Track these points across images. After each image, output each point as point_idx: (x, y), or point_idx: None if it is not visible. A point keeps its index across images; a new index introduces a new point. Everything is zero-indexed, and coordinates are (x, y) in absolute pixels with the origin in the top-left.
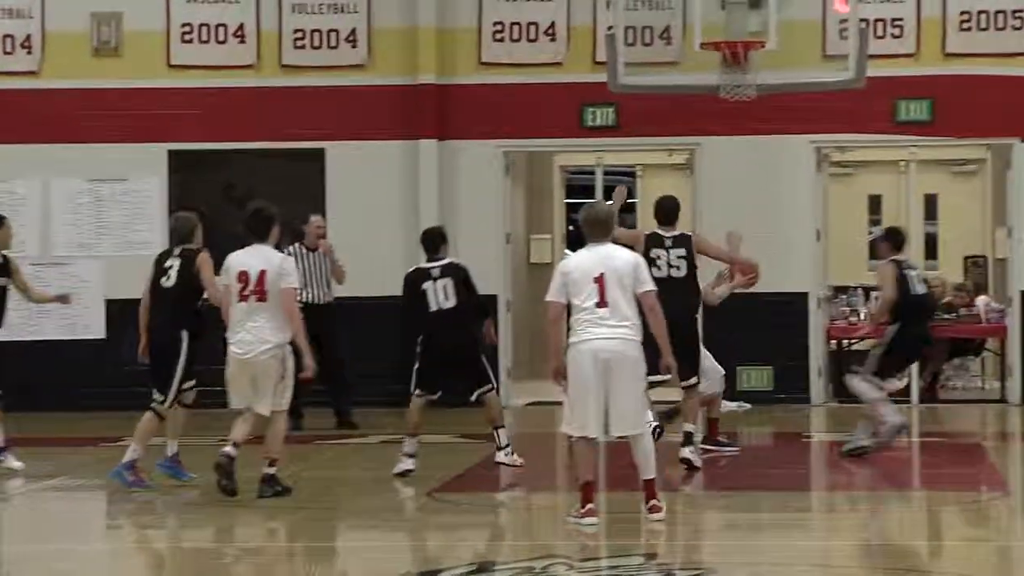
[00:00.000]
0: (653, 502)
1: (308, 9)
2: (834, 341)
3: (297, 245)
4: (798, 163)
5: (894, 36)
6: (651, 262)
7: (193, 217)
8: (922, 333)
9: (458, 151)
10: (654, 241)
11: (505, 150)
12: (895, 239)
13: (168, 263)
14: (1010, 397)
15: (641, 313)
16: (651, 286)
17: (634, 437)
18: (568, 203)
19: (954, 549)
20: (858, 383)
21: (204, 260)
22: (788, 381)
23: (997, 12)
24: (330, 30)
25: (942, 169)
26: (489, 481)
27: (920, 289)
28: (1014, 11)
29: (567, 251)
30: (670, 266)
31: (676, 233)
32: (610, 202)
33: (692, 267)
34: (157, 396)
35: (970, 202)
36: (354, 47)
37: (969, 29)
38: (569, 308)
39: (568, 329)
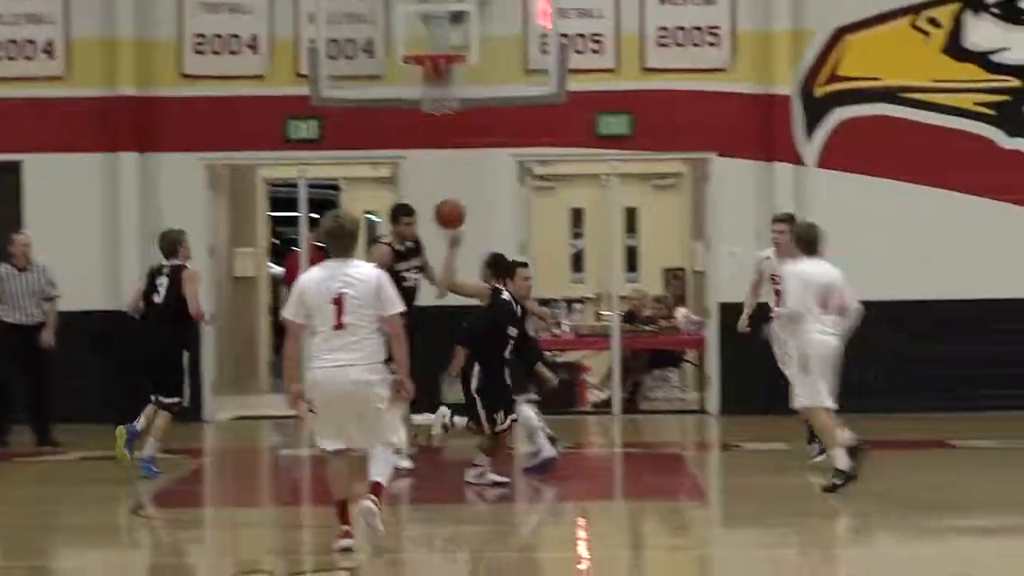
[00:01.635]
0: (371, 498)
1: (3, 19)
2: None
3: (6, 266)
4: (501, 177)
5: (594, 51)
6: None
7: (176, 233)
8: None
9: (160, 164)
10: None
11: (208, 163)
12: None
13: (158, 280)
14: (709, 407)
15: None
16: (396, 309)
17: (376, 450)
18: (272, 216)
19: (655, 558)
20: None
21: (188, 277)
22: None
23: (694, 28)
24: (26, 40)
25: (642, 183)
26: (193, 497)
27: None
28: (709, 28)
29: (270, 264)
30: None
31: None
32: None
33: None
34: (167, 399)
35: (670, 215)
36: (51, 58)
37: (667, 45)
38: None
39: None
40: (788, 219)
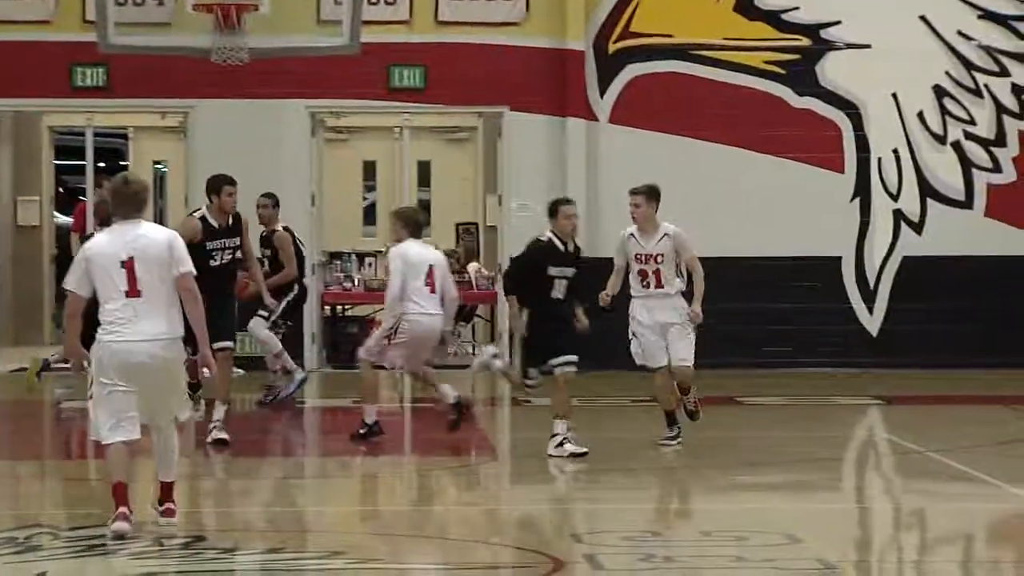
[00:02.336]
0: (168, 505)
1: None
2: (328, 307)
3: None
4: (293, 128)
5: (388, 3)
6: None
7: None
8: None
9: None
10: None
11: None
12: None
13: None
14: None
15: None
16: (187, 267)
17: (161, 429)
18: (57, 165)
19: (444, 514)
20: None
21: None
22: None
23: None
24: None
25: (435, 136)
26: None
27: None
28: None
29: (56, 214)
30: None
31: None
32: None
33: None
34: None
35: (462, 169)
36: None
37: None
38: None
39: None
40: (646, 192)
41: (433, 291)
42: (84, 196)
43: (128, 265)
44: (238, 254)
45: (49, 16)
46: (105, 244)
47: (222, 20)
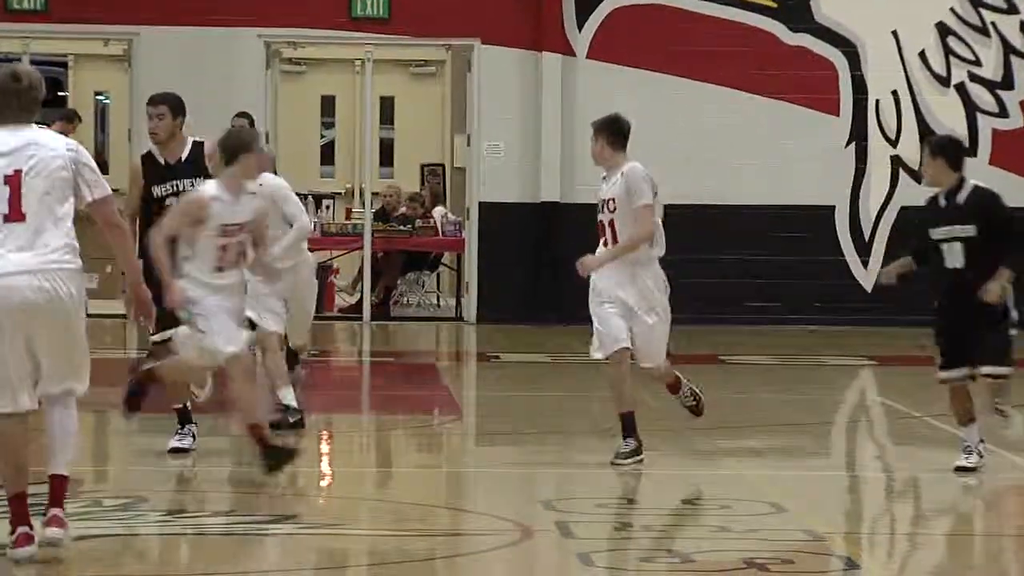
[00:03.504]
0: (54, 512)
1: None
2: None
3: None
4: (246, 59)
5: None
6: None
7: None
8: None
9: None
10: None
11: None
12: None
13: None
14: (466, 315)
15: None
16: (103, 191)
17: (56, 401)
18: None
19: (406, 476)
20: None
21: None
22: None
23: None
24: None
25: (400, 70)
26: None
27: None
28: None
29: None
30: None
31: None
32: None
33: None
34: None
35: (429, 106)
36: None
37: None
38: None
39: None
40: (597, 125)
41: None
42: None
43: (11, 181)
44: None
45: None
46: None
47: None
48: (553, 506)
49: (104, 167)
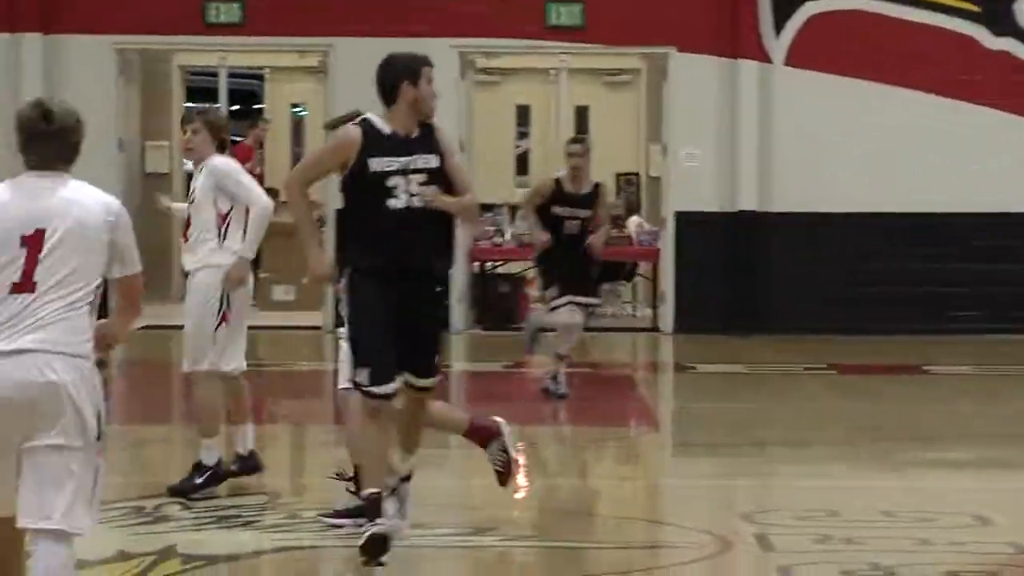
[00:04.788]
0: None
1: None
2: (477, 264)
3: None
4: (440, 69)
5: None
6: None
7: None
8: None
9: (66, 47)
10: None
11: (119, 47)
12: None
13: None
14: (662, 325)
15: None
16: (134, 267)
17: (48, 537)
18: (188, 107)
19: (603, 487)
20: None
21: None
22: None
23: None
24: None
25: (594, 79)
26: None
27: None
28: None
29: (186, 160)
30: None
31: None
32: None
33: None
34: None
35: (624, 116)
36: None
37: None
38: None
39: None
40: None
41: None
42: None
43: (32, 240)
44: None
45: None
46: (3, 201)
47: None
48: (752, 518)
49: None
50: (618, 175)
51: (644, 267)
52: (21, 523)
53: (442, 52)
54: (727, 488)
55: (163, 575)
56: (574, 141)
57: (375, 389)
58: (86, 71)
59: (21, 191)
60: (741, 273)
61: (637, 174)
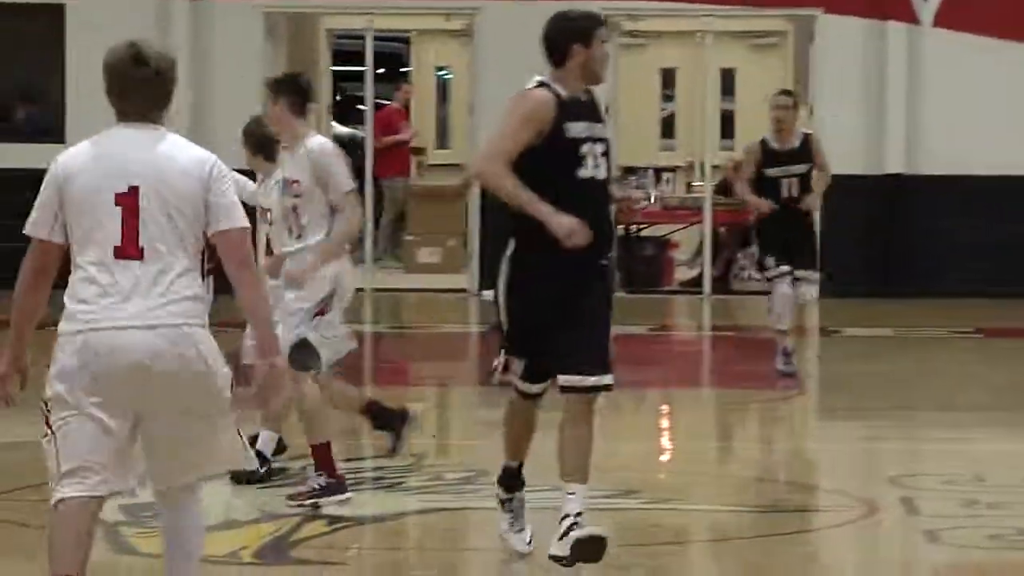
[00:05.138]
0: None
1: None
2: (622, 227)
3: None
4: None
5: None
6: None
7: None
8: None
9: (213, 11)
10: None
11: (266, 11)
12: None
13: None
14: None
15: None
16: (241, 222)
17: (173, 498)
18: (335, 71)
19: (747, 451)
20: None
21: None
22: None
23: None
24: None
25: (741, 42)
26: None
27: None
28: None
29: (334, 123)
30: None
31: None
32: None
33: None
34: None
35: (770, 78)
36: None
37: None
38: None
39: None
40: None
41: None
42: (363, 105)
43: (127, 200)
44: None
45: None
46: (90, 162)
47: None
48: (898, 482)
49: (445, 140)
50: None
51: None
52: (159, 485)
53: None
54: (872, 452)
55: (308, 536)
56: (782, 93)
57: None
58: (233, 35)
59: (112, 145)
60: (888, 236)
61: None
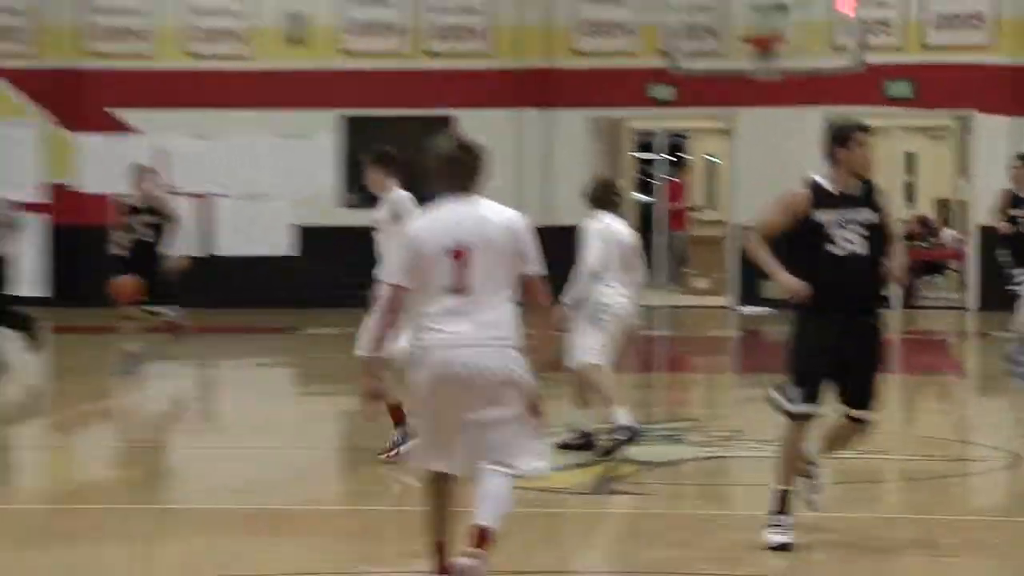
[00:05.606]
0: (474, 551)
1: (445, 9)
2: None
3: None
4: (810, 128)
5: (886, 34)
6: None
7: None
8: None
9: (553, 118)
10: None
11: (591, 117)
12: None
13: None
14: (968, 305)
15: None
16: (537, 267)
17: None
18: (637, 157)
19: (920, 416)
20: None
21: None
22: None
23: (964, 14)
24: (463, 27)
25: (919, 133)
26: None
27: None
28: (976, 14)
29: (635, 194)
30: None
31: None
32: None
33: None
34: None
35: (940, 158)
36: (481, 39)
37: (942, 27)
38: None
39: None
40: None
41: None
42: (654, 180)
43: (456, 252)
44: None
45: (634, 49)
46: (431, 222)
47: (761, 48)
48: None
49: (713, 205)
50: (936, 200)
51: (955, 264)
52: (458, 471)
53: (812, 116)
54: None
55: (622, 472)
56: (1018, 156)
57: (799, 408)
58: (568, 135)
59: (443, 212)
60: None
61: (949, 199)
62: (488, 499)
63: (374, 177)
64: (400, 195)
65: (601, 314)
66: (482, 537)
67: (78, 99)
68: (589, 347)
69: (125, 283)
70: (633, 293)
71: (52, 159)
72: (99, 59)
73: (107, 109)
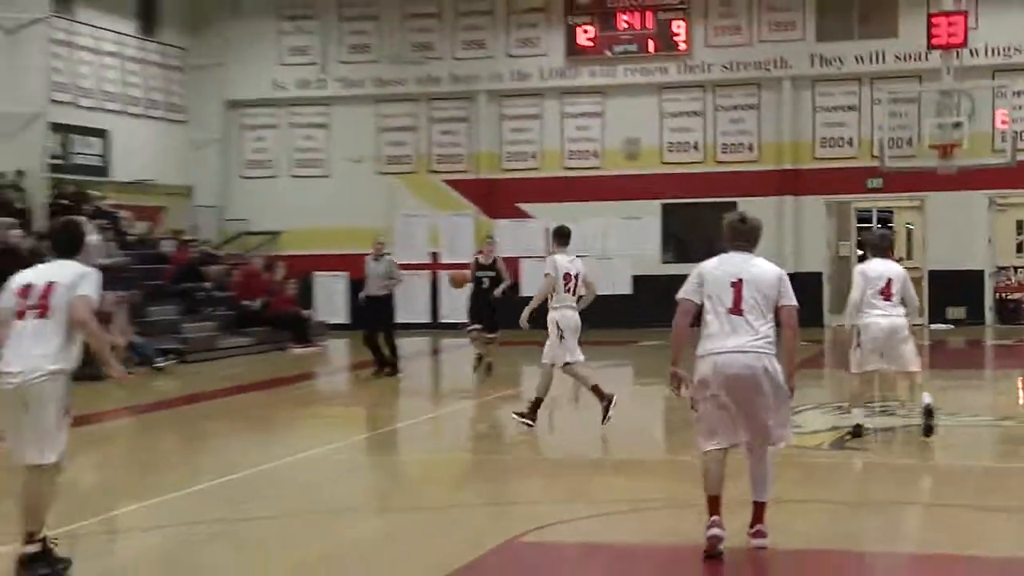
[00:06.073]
0: (758, 527)
1: (727, 132)
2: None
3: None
4: (977, 207)
5: None
6: None
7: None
8: None
9: (802, 203)
10: None
11: (827, 201)
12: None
13: None
14: None
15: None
16: (793, 301)
17: (752, 451)
18: (857, 227)
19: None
20: None
21: None
22: None
23: None
24: (741, 143)
25: None
26: None
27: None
28: None
29: (858, 250)
30: None
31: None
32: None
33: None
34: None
35: None
36: (753, 150)
37: None
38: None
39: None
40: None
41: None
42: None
43: (736, 285)
44: None
45: (855, 155)
46: (717, 265)
47: (943, 152)
48: None
49: (910, 258)
50: None
51: None
52: (752, 444)
53: (978, 198)
54: None
55: (851, 439)
56: None
57: None
58: (811, 213)
59: (729, 259)
60: None
61: None
62: (760, 479)
63: None
64: None
65: (859, 333)
66: (761, 512)
67: (496, 198)
68: (855, 360)
69: None
70: (895, 312)
71: (478, 236)
72: (509, 172)
73: (516, 204)
